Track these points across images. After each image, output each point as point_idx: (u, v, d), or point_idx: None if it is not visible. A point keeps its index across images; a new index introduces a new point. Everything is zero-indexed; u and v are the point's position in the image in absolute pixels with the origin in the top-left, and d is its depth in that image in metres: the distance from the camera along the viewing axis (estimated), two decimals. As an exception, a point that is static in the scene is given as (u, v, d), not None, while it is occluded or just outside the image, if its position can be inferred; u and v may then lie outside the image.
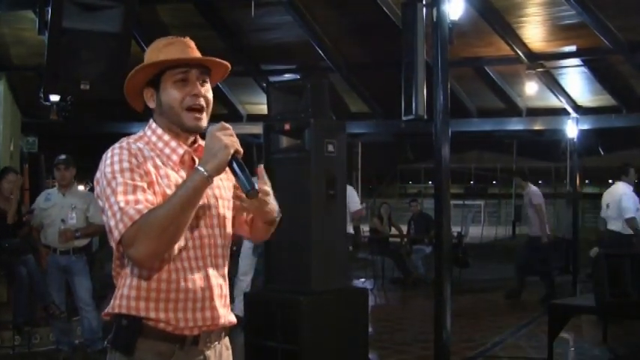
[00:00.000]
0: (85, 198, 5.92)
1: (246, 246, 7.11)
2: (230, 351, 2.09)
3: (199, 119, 1.97)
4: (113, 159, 1.88)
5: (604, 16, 9.56)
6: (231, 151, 1.84)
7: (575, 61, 10.81)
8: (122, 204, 1.80)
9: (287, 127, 4.95)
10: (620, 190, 7.74)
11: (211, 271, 1.96)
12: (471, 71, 11.71)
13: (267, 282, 5.10)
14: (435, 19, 4.61)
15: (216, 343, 2.01)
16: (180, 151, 1.98)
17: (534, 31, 10.54)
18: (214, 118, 2.00)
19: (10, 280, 6.07)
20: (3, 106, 10.18)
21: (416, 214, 12.10)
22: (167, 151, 1.97)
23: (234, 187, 2.06)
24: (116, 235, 1.80)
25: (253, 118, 12.85)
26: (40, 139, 11.61)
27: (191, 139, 2.03)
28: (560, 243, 11.90)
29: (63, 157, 5.94)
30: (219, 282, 1.99)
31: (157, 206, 1.81)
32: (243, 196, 1.93)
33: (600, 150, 13.46)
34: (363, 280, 10.76)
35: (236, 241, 2.27)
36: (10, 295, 6.25)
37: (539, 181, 30.00)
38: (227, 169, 1.87)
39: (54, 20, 5.00)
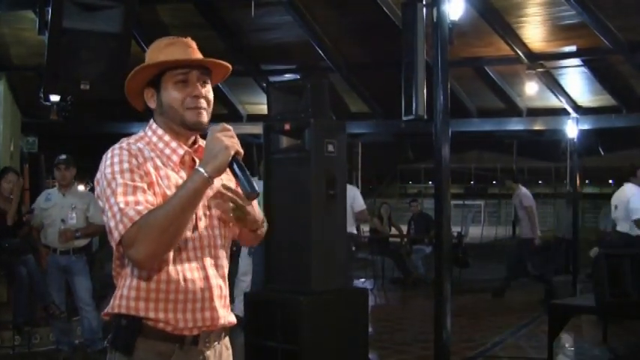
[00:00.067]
0: (85, 198, 5.93)
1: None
2: (230, 351, 2.09)
3: (201, 114, 1.96)
4: (113, 160, 1.89)
5: (604, 16, 9.56)
6: (232, 153, 1.84)
7: (575, 61, 10.80)
8: (122, 205, 1.80)
9: (287, 127, 4.94)
10: (628, 191, 7.69)
11: (211, 272, 1.96)
12: (471, 71, 11.69)
13: (267, 282, 5.11)
14: (435, 19, 4.61)
15: (216, 343, 2.01)
16: (181, 151, 1.98)
17: (534, 31, 10.53)
18: (214, 118, 2.01)
19: (10, 280, 6.08)
20: (3, 106, 10.17)
21: (416, 214, 12.11)
22: (167, 151, 1.97)
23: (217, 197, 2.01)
24: (116, 235, 1.80)
25: (253, 118, 12.84)
26: (40, 139, 11.59)
27: (191, 139, 2.03)
28: (560, 243, 11.92)
29: (63, 157, 5.95)
30: (219, 282, 1.99)
31: (157, 207, 1.81)
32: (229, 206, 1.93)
33: (600, 150, 13.44)
34: (363, 280, 10.76)
35: (236, 242, 2.26)
36: (10, 295, 6.26)
37: (539, 181, 30.08)
38: (227, 170, 1.87)
39: (54, 20, 5.00)
